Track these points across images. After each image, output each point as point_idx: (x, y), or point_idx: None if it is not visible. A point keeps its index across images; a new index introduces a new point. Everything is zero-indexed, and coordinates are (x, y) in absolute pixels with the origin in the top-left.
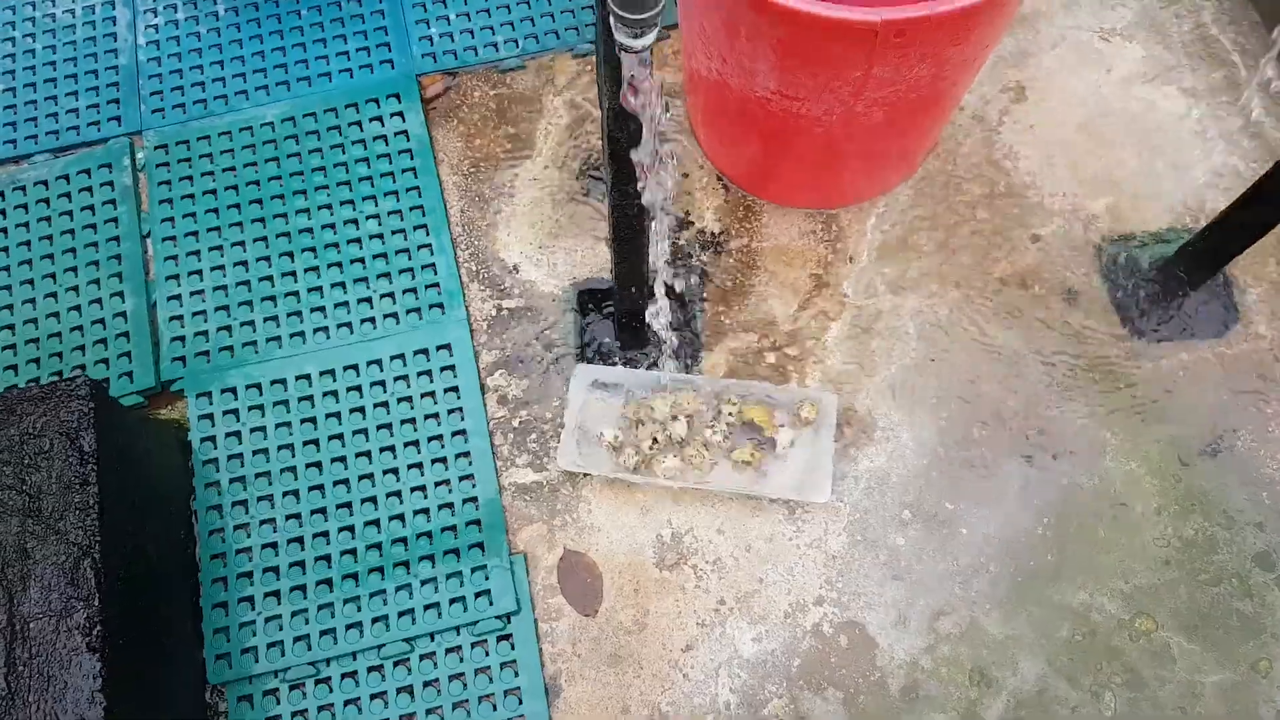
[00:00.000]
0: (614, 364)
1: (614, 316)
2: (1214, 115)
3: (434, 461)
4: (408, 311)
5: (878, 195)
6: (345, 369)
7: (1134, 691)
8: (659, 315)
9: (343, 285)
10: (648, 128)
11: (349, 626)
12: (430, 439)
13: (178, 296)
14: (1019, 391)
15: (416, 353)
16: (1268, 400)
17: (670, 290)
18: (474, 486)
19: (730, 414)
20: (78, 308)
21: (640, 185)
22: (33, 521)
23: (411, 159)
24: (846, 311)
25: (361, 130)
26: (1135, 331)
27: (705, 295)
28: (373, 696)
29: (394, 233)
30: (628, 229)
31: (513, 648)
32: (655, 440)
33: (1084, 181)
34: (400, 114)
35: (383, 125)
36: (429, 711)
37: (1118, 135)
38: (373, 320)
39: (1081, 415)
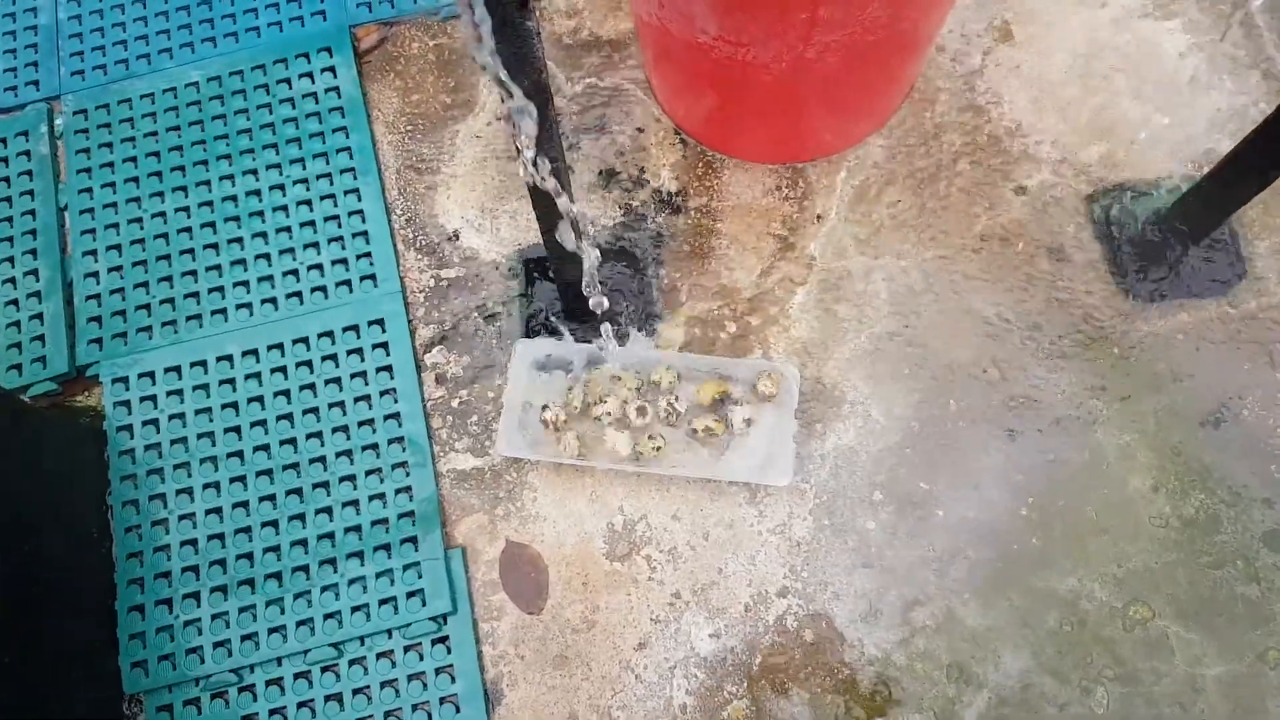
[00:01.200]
0: (559, 338)
1: (560, 287)
2: (1220, 52)
3: (364, 448)
4: (337, 284)
5: (847, 148)
6: (269, 349)
7: (1128, 686)
8: (590, 286)
9: (268, 257)
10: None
11: (272, 630)
12: (361, 424)
13: (95, 274)
14: (1001, 360)
15: (346, 329)
16: (1278, 363)
17: (619, 254)
18: (408, 475)
19: (671, 385)
20: None
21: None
22: None
23: (343, 117)
24: (814, 275)
25: (290, 88)
26: (1130, 291)
27: (661, 260)
28: (299, 704)
29: (323, 198)
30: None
31: (449, 651)
32: (598, 418)
33: (1075, 128)
34: (332, 69)
35: (313, 82)
36: None
37: (1113, 76)
38: (299, 295)
39: (1070, 384)
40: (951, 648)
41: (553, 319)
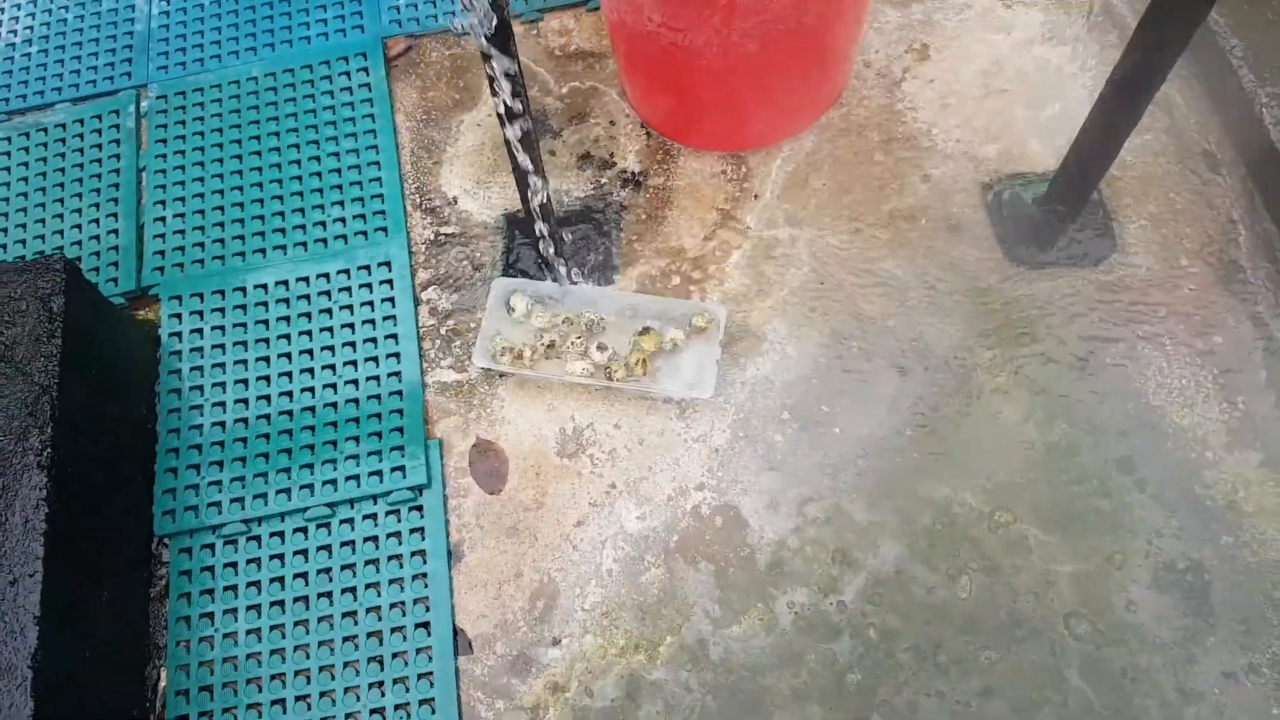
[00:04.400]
0: (529, 278)
1: (532, 240)
2: (1105, 71)
3: (367, 359)
4: (356, 233)
5: (782, 140)
6: (298, 280)
7: (990, 577)
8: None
9: (302, 211)
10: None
11: (279, 491)
12: (366, 340)
13: (163, 219)
14: (900, 311)
15: (360, 268)
16: (1140, 323)
17: (587, 219)
18: (400, 381)
19: (633, 335)
20: (79, 226)
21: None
22: (5, 365)
23: (371, 107)
24: (747, 241)
25: (331, 84)
26: (1015, 259)
27: (622, 226)
28: (296, 552)
29: (350, 168)
30: (520, 139)
31: (422, 516)
32: (551, 345)
33: (977, 129)
34: (365, 69)
35: (349, 80)
36: (344, 567)
37: (1012, 88)
38: (324, 240)
39: (957, 333)
40: (838, 537)
41: (526, 265)
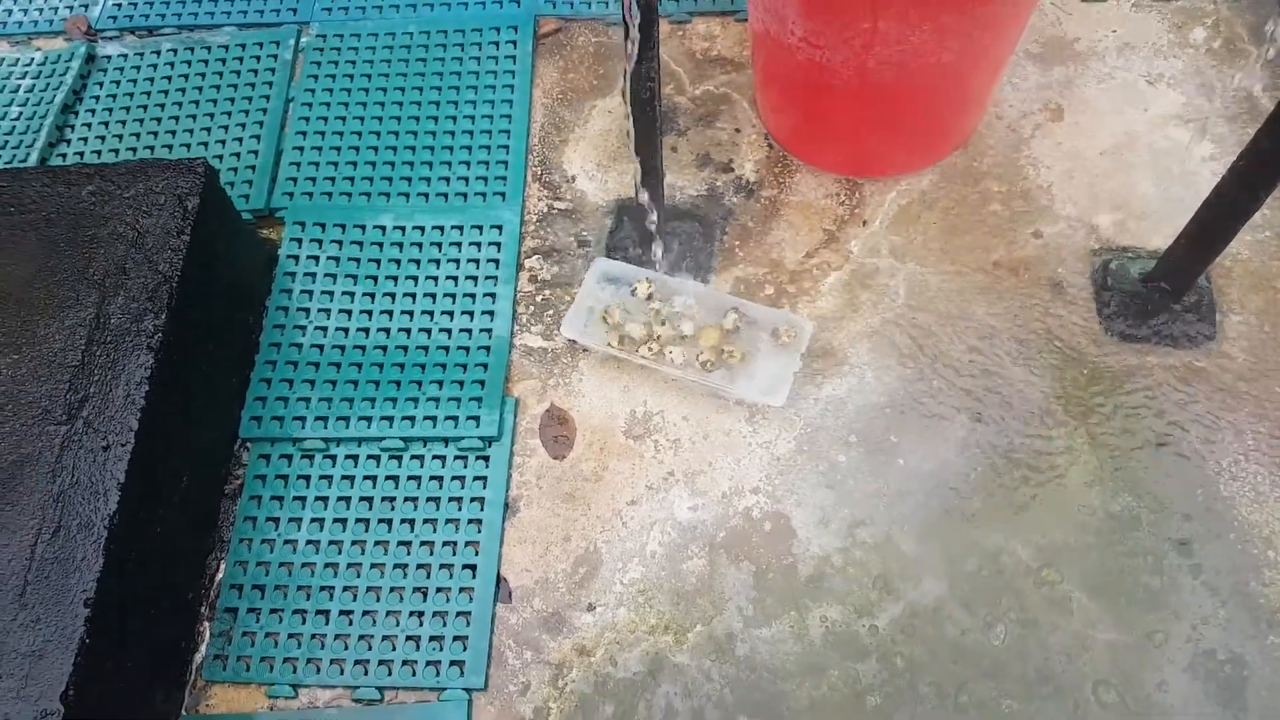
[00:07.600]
0: (631, 263)
1: (640, 228)
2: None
3: (464, 313)
4: (475, 194)
5: (902, 173)
6: (414, 227)
7: (1025, 630)
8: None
9: (430, 165)
10: None
11: (361, 418)
12: (465, 295)
13: (300, 149)
14: (986, 358)
15: (473, 226)
16: (1224, 414)
17: (695, 217)
18: (490, 338)
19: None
20: (223, 142)
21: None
22: (135, 251)
23: (513, 79)
24: (848, 265)
25: (480, 50)
26: (1111, 330)
27: (727, 230)
28: (365, 477)
29: (482, 132)
30: (643, 107)
31: (487, 466)
32: (642, 332)
33: (1097, 197)
34: (514, 43)
35: (497, 50)
36: (407, 499)
37: (1140, 163)
38: (445, 195)
39: (1039, 390)
40: (883, 564)
41: (629, 251)
